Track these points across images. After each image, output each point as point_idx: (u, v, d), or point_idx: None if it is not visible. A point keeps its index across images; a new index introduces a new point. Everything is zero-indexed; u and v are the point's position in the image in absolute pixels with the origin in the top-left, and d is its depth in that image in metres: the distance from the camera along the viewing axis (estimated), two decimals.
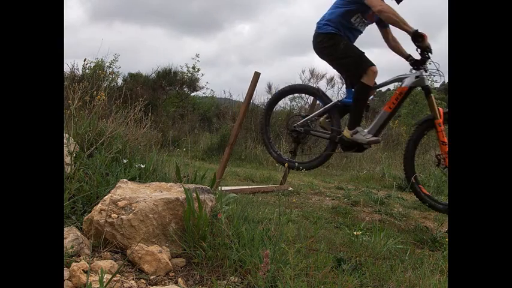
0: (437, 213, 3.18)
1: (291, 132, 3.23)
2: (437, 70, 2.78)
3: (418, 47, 2.64)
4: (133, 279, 1.23)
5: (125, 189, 1.56)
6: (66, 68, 7.96)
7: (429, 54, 2.70)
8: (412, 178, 2.81)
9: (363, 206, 3.27)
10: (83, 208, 1.63)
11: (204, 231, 1.43)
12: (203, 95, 11.76)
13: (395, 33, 3.08)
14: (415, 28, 2.59)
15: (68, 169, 1.72)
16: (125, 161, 2.05)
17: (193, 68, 10.98)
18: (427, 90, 2.73)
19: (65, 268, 1.17)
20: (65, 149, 1.78)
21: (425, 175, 5.22)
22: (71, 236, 1.33)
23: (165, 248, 1.39)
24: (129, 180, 1.72)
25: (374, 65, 2.77)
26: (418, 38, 2.59)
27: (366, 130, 2.91)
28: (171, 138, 7.28)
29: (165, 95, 10.58)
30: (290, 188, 3.84)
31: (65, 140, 1.82)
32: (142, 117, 2.79)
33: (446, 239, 2.05)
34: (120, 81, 9.90)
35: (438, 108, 2.68)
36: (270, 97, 3.49)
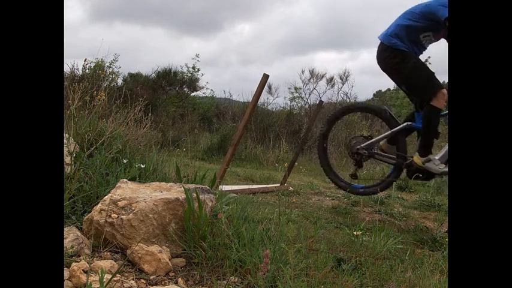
0: (437, 213, 3.19)
1: (353, 154, 3.01)
2: None
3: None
4: (133, 279, 1.23)
5: (125, 189, 1.56)
6: (66, 68, 7.97)
7: None
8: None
9: (363, 206, 3.27)
10: (83, 208, 1.63)
11: (204, 231, 1.43)
12: (203, 95, 11.77)
13: None
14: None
15: (68, 169, 1.72)
16: (125, 161, 2.05)
17: (193, 68, 10.99)
18: None
19: (65, 268, 1.17)
20: (65, 149, 1.78)
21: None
22: (71, 236, 1.33)
23: (165, 248, 1.39)
24: (129, 180, 1.72)
25: (444, 87, 2.63)
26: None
27: (437, 158, 2.70)
28: (171, 138, 7.28)
29: (165, 95, 10.59)
30: (290, 188, 3.84)
31: (65, 140, 1.82)
32: (142, 117, 2.79)
33: (446, 239, 2.05)
34: (120, 81, 9.90)
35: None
36: (327, 117, 3.21)
